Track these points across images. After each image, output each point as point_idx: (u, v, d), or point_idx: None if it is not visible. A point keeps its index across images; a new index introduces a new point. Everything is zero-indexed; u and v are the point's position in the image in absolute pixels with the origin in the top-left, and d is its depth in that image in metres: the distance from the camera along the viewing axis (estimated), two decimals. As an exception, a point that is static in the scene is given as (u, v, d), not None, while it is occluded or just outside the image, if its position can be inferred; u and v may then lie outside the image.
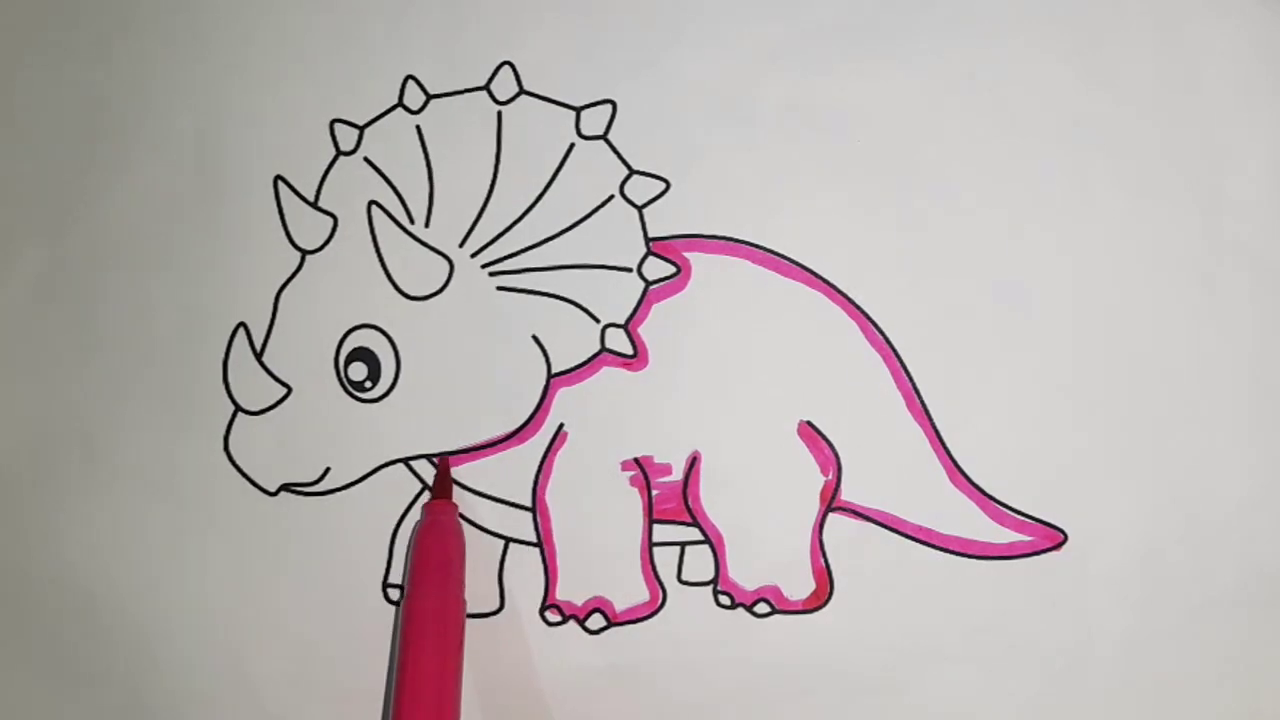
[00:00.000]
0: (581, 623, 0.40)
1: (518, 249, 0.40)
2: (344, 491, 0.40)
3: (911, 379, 0.39)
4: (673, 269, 0.40)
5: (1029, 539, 0.39)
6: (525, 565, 0.40)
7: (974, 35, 0.40)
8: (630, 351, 0.40)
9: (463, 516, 0.40)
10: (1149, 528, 0.38)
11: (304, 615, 0.40)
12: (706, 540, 0.39)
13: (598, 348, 0.40)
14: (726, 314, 0.40)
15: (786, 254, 0.40)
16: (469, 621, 0.39)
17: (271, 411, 0.40)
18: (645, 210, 0.40)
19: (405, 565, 0.39)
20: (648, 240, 0.40)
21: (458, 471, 0.40)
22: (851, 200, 0.40)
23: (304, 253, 0.41)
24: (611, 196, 0.40)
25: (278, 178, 0.41)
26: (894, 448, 0.39)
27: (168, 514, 0.40)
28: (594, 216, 0.40)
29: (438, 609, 0.37)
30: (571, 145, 0.40)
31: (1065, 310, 0.39)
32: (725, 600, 0.39)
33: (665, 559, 0.40)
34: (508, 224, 0.40)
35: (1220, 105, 0.39)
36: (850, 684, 0.38)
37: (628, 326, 0.40)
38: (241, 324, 0.40)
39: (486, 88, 0.41)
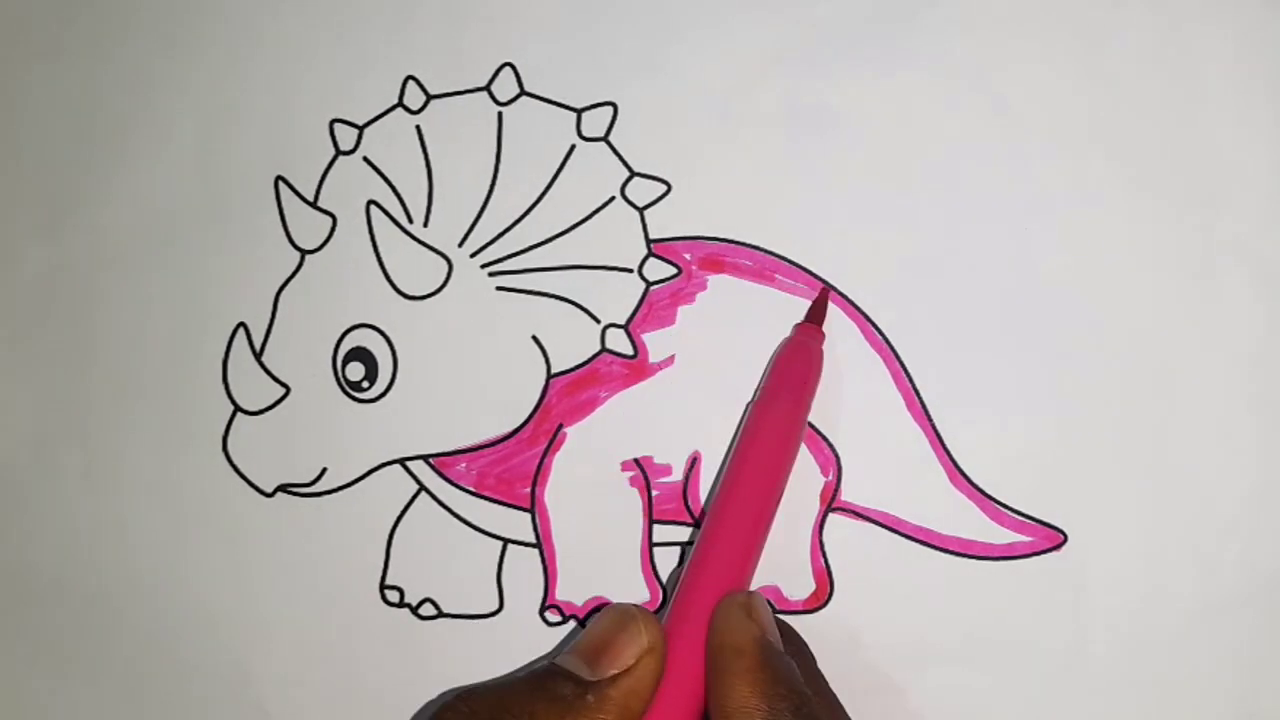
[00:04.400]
0: (581, 623, 0.40)
1: (518, 249, 0.40)
2: (341, 492, 0.40)
3: (911, 379, 0.39)
4: (673, 270, 0.40)
5: (1029, 540, 0.39)
6: (525, 566, 0.40)
7: (974, 35, 0.40)
8: (630, 352, 0.40)
9: (459, 517, 0.40)
10: (1149, 528, 0.38)
11: (302, 615, 0.40)
12: (706, 540, 0.39)
13: (598, 348, 0.40)
14: (727, 315, 0.40)
15: (787, 254, 0.40)
16: (469, 622, 0.40)
17: (269, 412, 0.40)
18: (646, 212, 0.40)
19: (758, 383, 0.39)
20: (648, 241, 0.40)
21: (453, 472, 0.40)
22: (851, 200, 0.40)
23: (303, 252, 0.41)
24: (612, 198, 0.40)
25: (278, 178, 0.41)
26: (894, 448, 0.39)
27: (167, 514, 0.40)
28: (595, 218, 0.40)
29: (783, 418, 0.37)
30: (572, 147, 0.40)
31: (1065, 310, 0.39)
32: (725, 600, 0.39)
33: (665, 559, 0.40)
34: (508, 224, 0.40)
35: (1220, 105, 0.39)
36: (850, 684, 0.38)
37: (628, 327, 0.40)
38: (241, 324, 0.41)
39: (487, 89, 0.41)
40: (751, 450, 0.36)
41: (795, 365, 0.38)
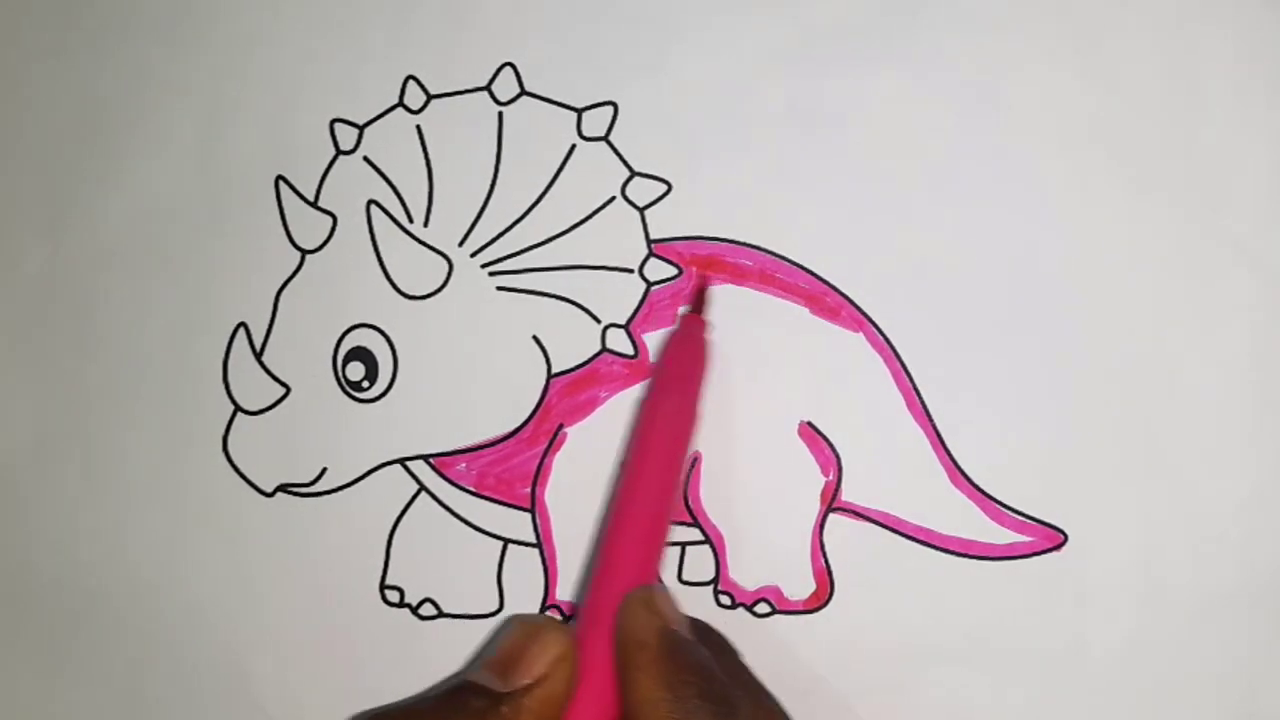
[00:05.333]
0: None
1: (518, 249, 0.40)
2: (341, 492, 0.40)
3: (911, 379, 0.39)
4: (674, 270, 0.40)
5: (1029, 539, 0.39)
6: (525, 566, 0.40)
7: (974, 35, 0.40)
8: (631, 352, 0.40)
9: (459, 517, 0.40)
10: (1149, 528, 0.38)
11: (301, 616, 0.40)
12: (706, 540, 0.39)
13: (598, 348, 0.40)
14: (727, 315, 0.40)
15: (787, 254, 0.40)
16: (469, 622, 0.40)
17: (270, 412, 0.40)
18: (647, 211, 0.40)
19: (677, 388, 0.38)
20: (649, 242, 0.40)
21: (453, 472, 0.40)
22: (851, 200, 0.40)
23: (304, 252, 0.41)
24: (613, 198, 0.40)
25: (279, 178, 0.41)
26: (894, 448, 0.39)
27: (167, 514, 0.40)
28: (595, 218, 0.40)
29: (675, 410, 0.37)
30: (573, 146, 0.40)
31: (1065, 310, 0.39)
32: (725, 600, 0.39)
33: (666, 559, 0.40)
34: (508, 224, 0.40)
35: (1220, 105, 0.39)
36: (850, 684, 0.38)
37: (629, 327, 0.40)
38: (242, 324, 0.41)
39: (487, 88, 0.41)
40: (643, 447, 0.36)
41: (680, 358, 0.38)
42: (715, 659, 0.33)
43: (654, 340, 0.40)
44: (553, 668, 0.32)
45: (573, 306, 0.40)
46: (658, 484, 0.36)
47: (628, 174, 0.40)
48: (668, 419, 0.37)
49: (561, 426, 0.40)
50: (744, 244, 0.40)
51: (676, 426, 0.37)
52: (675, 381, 0.37)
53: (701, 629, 0.36)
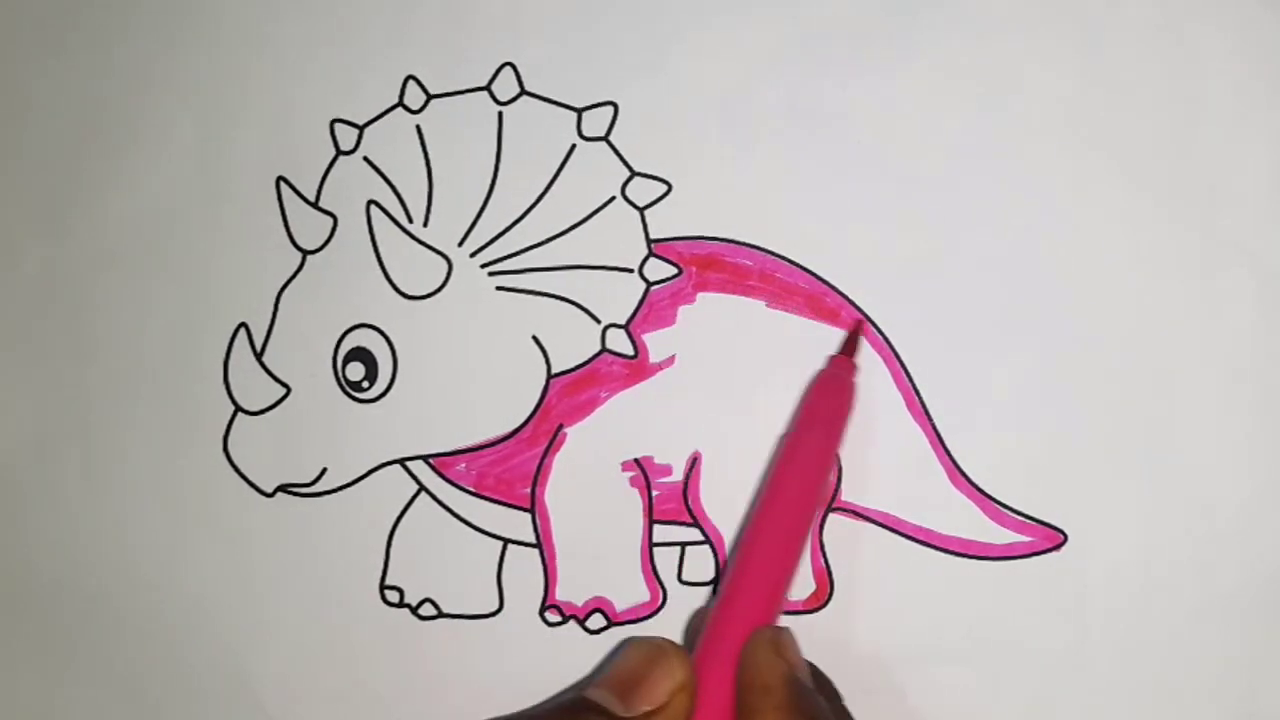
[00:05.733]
0: (582, 623, 0.40)
1: (518, 249, 0.40)
2: (341, 492, 0.40)
3: (911, 379, 0.39)
4: (674, 270, 0.40)
5: (1029, 539, 0.39)
6: (525, 566, 0.40)
7: (974, 35, 0.40)
8: (631, 352, 0.40)
9: (459, 517, 0.40)
10: (1149, 528, 0.38)
11: (302, 615, 0.40)
12: (706, 540, 0.39)
13: (598, 348, 0.40)
14: (727, 314, 0.40)
15: (787, 255, 0.40)
16: (469, 622, 0.40)
17: (270, 412, 0.40)
18: (646, 211, 0.40)
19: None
20: (649, 242, 0.40)
21: (453, 472, 0.40)
22: (851, 200, 0.40)
23: (305, 253, 0.41)
24: (613, 198, 0.40)
25: (280, 178, 0.41)
26: (894, 448, 0.39)
27: (167, 514, 0.41)
28: (595, 218, 0.40)
29: (815, 451, 0.37)
30: (573, 146, 0.40)
31: (1065, 310, 0.39)
32: (726, 601, 0.39)
33: (665, 559, 0.40)
34: (508, 224, 0.40)
35: (1220, 105, 0.39)
36: (850, 685, 0.38)
37: (628, 327, 0.40)
38: (243, 324, 0.41)
39: (487, 88, 0.41)
40: (782, 485, 0.36)
41: (827, 399, 0.38)
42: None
43: (654, 340, 0.40)
44: (673, 696, 0.32)
45: (572, 306, 0.40)
46: (790, 522, 0.36)
47: (628, 174, 0.40)
48: (806, 459, 0.37)
49: (561, 427, 0.40)
50: (744, 244, 0.40)
51: (814, 467, 0.37)
52: (818, 423, 0.37)
53: (817, 676, 0.36)
